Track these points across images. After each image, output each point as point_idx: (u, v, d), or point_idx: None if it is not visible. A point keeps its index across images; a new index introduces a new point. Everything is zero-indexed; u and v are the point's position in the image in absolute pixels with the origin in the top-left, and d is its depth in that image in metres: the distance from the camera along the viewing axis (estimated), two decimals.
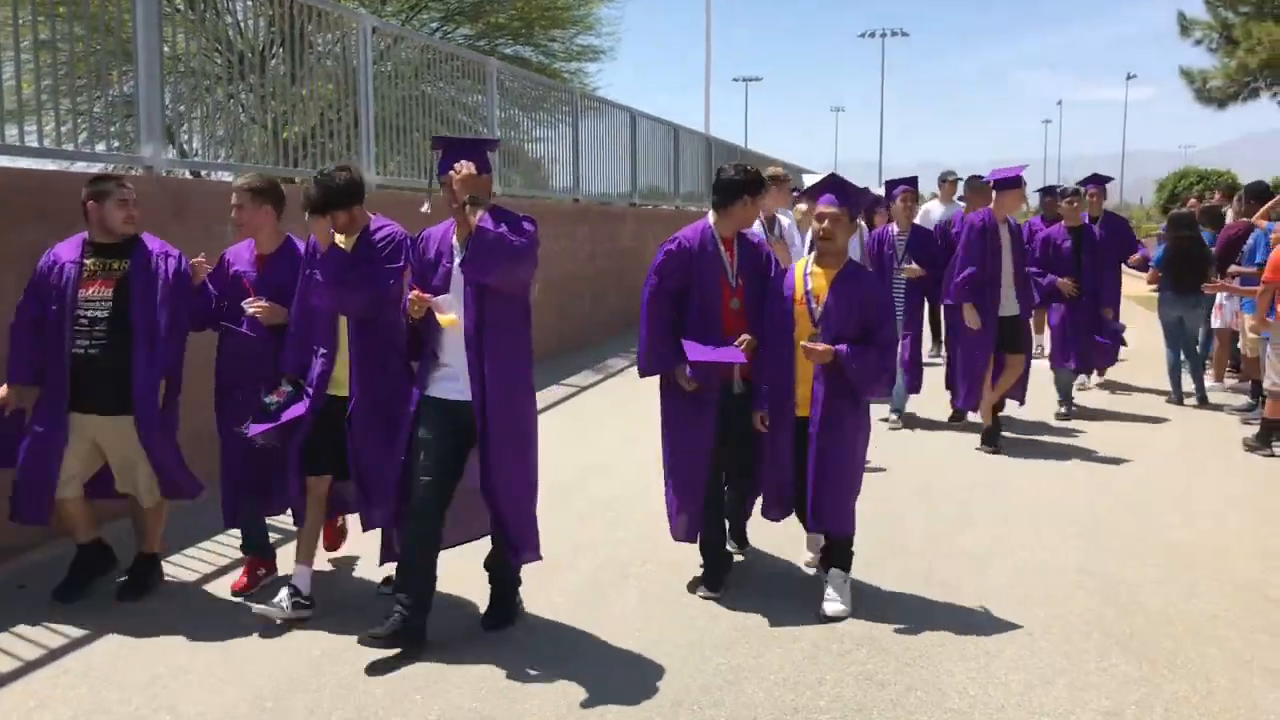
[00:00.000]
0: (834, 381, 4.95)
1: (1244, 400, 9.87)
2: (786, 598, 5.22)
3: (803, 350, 4.94)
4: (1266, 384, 7.90)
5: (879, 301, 5.09)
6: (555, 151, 14.59)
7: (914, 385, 9.22)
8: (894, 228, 9.12)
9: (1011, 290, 8.33)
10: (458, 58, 12.11)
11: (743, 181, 5.21)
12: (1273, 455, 7.94)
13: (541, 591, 5.21)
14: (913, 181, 9.48)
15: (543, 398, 10.60)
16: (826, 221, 5.04)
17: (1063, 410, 9.59)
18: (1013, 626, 4.83)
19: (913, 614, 4.99)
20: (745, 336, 5.07)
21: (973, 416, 8.86)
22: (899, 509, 6.70)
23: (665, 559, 5.66)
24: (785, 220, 8.47)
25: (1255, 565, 5.68)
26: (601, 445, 8.72)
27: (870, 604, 5.10)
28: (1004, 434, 8.56)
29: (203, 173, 10.04)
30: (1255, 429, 8.90)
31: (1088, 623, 4.88)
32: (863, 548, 5.31)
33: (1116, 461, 7.97)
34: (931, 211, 12.98)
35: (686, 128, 20.79)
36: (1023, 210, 9.24)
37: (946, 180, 13.68)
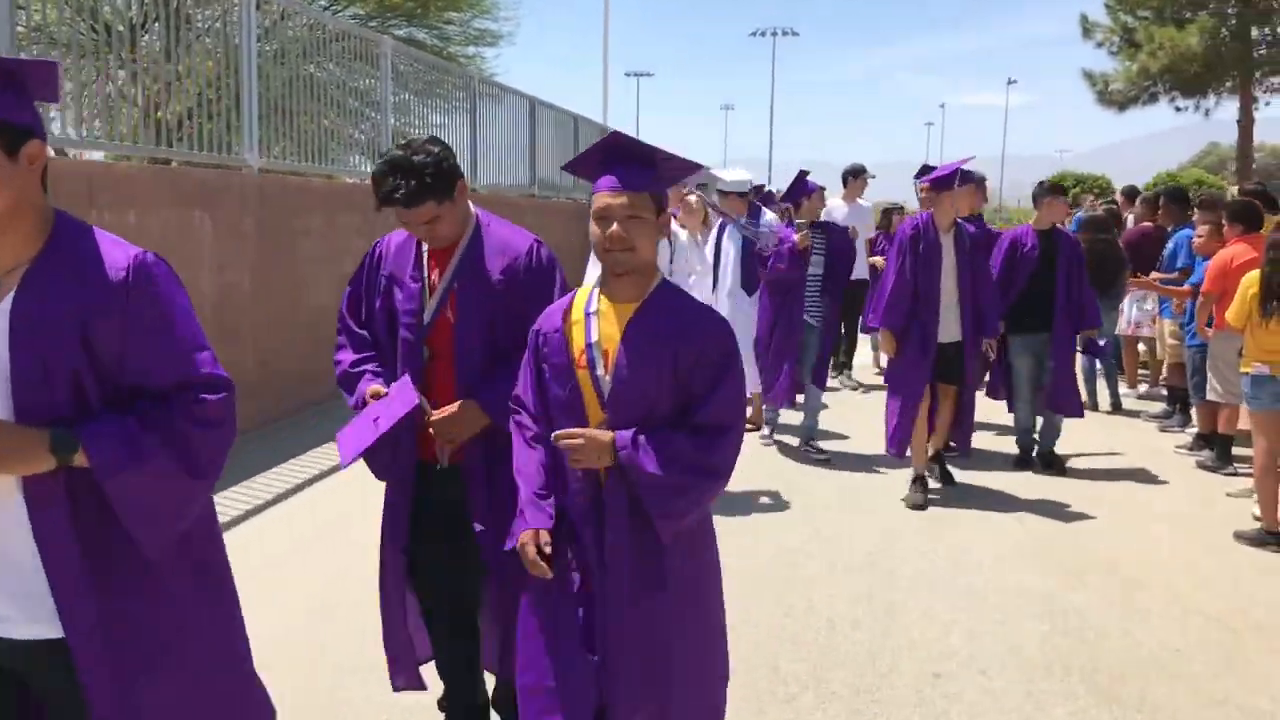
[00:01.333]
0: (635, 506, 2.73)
1: (1160, 408, 9.77)
2: None
3: (561, 447, 2.73)
4: (1211, 395, 7.71)
5: (715, 348, 2.74)
6: (450, 139, 13.93)
7: (788, 399, 8.05)
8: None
9: (955, 312, 6.83)
10: (349, 36, 11.38)
11: None
12: (1235, 474, 7.72)
13: None
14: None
15: None
16: (613, 223, 2.71)
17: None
18: (968, 663, 4.46)
19: (859, 648, 4.59)
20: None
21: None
22: (841, 528, 6.33)
23: None
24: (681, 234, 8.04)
25: (1196, 588, 5.42)
26: None
27: (814, 637, 4.69)
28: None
29: (71, 152, 9.24)
30: (1176, 436, 8.80)
31: (1046, 656, 4.52)
32: (801, 577, 4.90)
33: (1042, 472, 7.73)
34: (835, 211, 10.90)
35: (587, 118, 20.27)
36: (983, 209, 8.56)
37: (855, 176, 11.28)
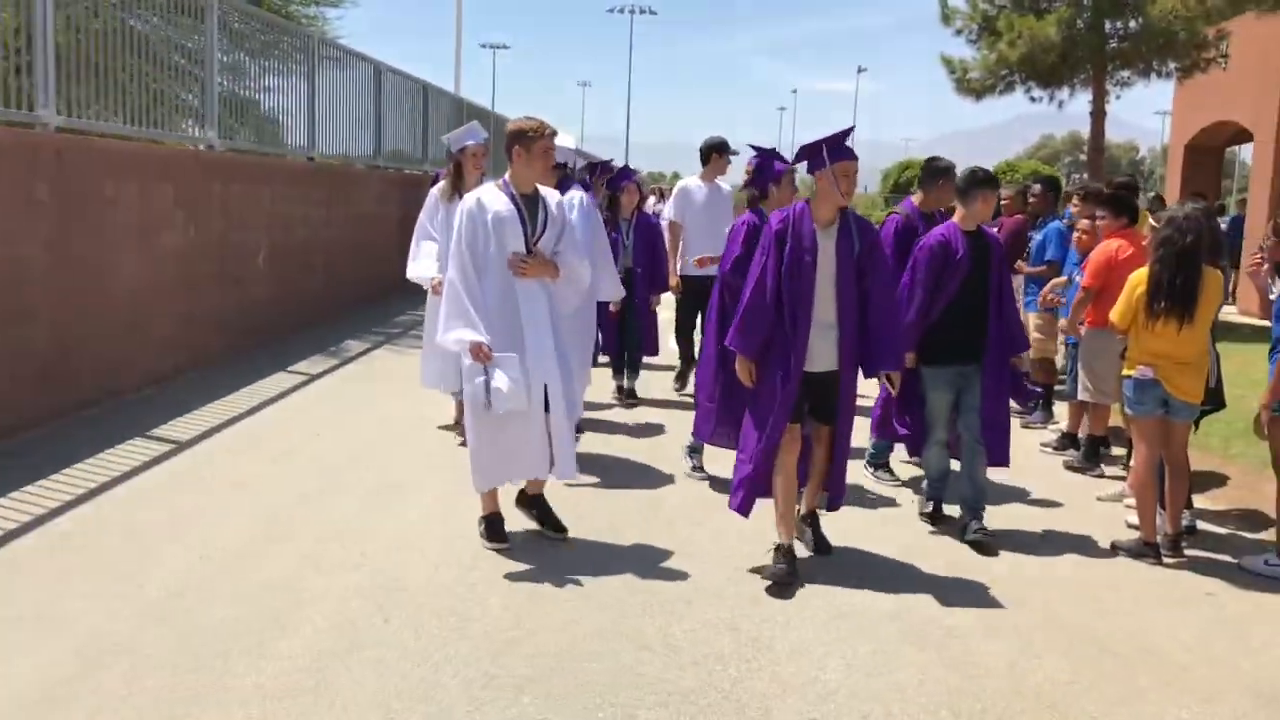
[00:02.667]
0: None
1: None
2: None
3: None
4: (1082, 395, 7.47)
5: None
6: (288, 104, 12.94)
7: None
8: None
9: (832, 334, 5.30)
10: None
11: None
12: (1102, 475, 7.50)
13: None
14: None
15: (264, 388, 9.43)
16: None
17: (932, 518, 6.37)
18: (849, 707, 3.98)
19: (726, 698, 4.07)
20: None
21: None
22: (698, 552, 5.81)
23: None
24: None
25: (1077, 606, 5.09)
26: (340, 451, 7.43)
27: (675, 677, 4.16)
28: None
29: None
30: (1040, 434, 8.59)
31: (933, 698, 4.08)
32: (657, 602, 4.36)
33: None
34: (693, 193, 9.25)
35: (437, 87, 19.36)
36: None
37: (718, 153, 9.24)
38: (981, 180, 6.08)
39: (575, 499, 6.28)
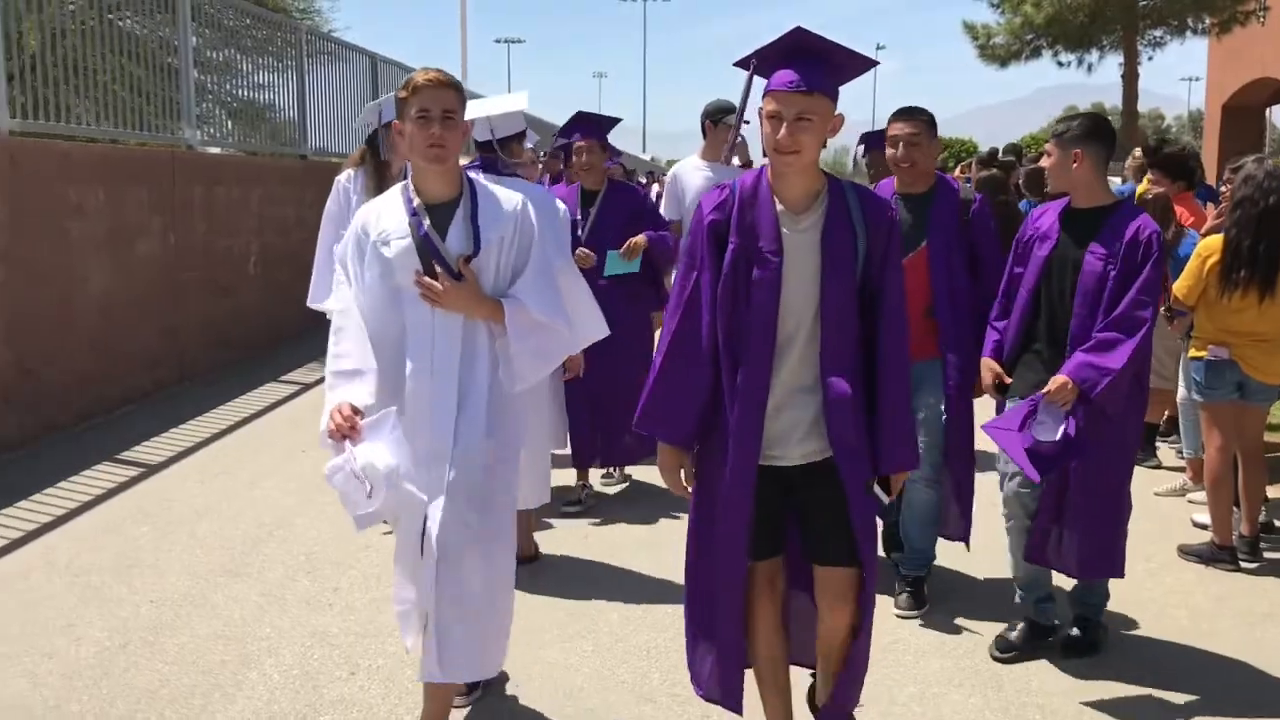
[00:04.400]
0: None
1: None
2: None
3: None
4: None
5: None
6: (279, 100, 12.37)
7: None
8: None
9: (812, 396, 3.03)
10: None
11: None
12: (1159, 467, 6.72)
13: None
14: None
15: (253, 400, 8.85)
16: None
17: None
18: None
19: None
20: None
21: None
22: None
23: None
24: None
25: (1146, 626, 4.44)
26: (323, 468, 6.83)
27: None
28: None
29: None
30: None
31: None
32: (660, 648, 3.73)
33: None
34: (687, 178, 6.71)
35: None
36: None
37: (713, 121, 6.73)
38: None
39: (565, 533, 5.66)
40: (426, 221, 3.26)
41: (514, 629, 3.55)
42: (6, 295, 6.91)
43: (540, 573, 4.98)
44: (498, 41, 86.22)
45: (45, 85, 7.73)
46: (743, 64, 3.02)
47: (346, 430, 3.03)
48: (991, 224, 4.63)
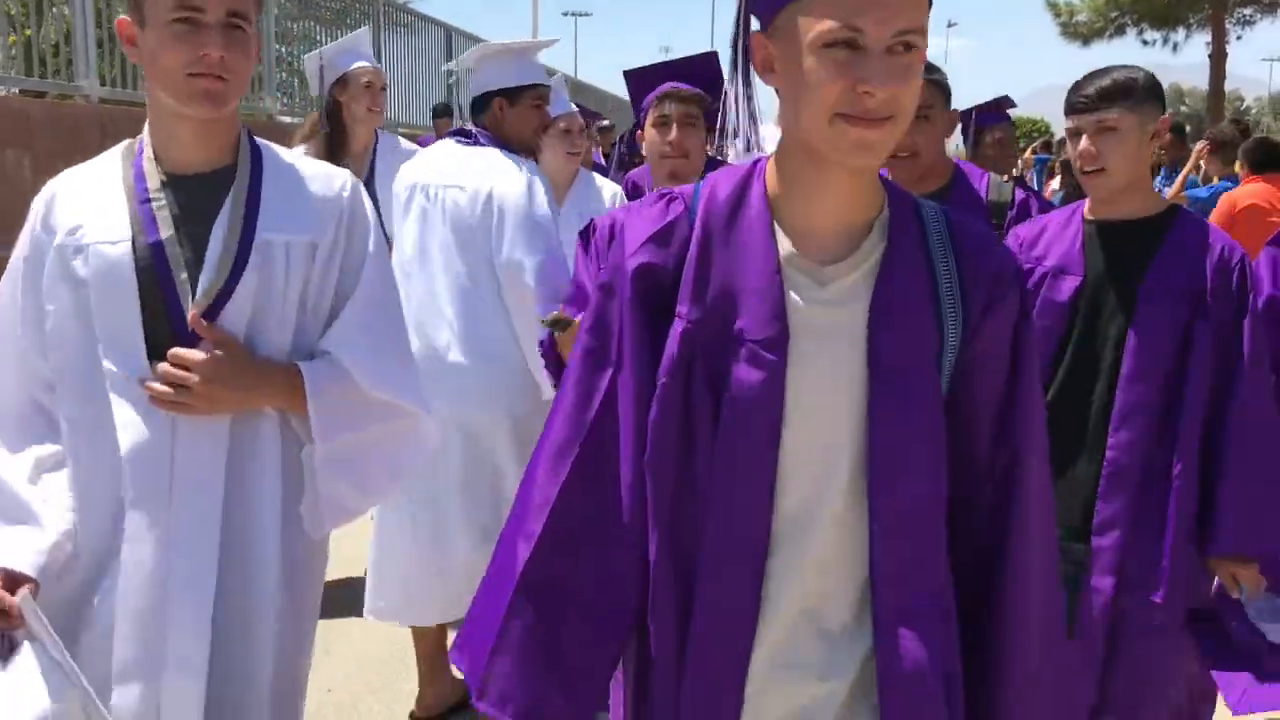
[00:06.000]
0: None
1: None
2: None
3: None
4: None
5: None
6: None
7: None
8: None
9: (860, 644, 1.46)
10: None
11: None
12: None
13: None
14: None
15: None
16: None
17: None
18: None
19: None
20: None
21: None
22: None
23: None
24: None
25: None
26: None
27: None
28: None
29: None
30: None
31: None
32: None
33: None
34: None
35: None
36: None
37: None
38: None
39: None
40: (167, 215, 1.79)
41: None
42: None
43: None
44: (565, 15, 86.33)
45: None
46: None
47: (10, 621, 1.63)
48: None
